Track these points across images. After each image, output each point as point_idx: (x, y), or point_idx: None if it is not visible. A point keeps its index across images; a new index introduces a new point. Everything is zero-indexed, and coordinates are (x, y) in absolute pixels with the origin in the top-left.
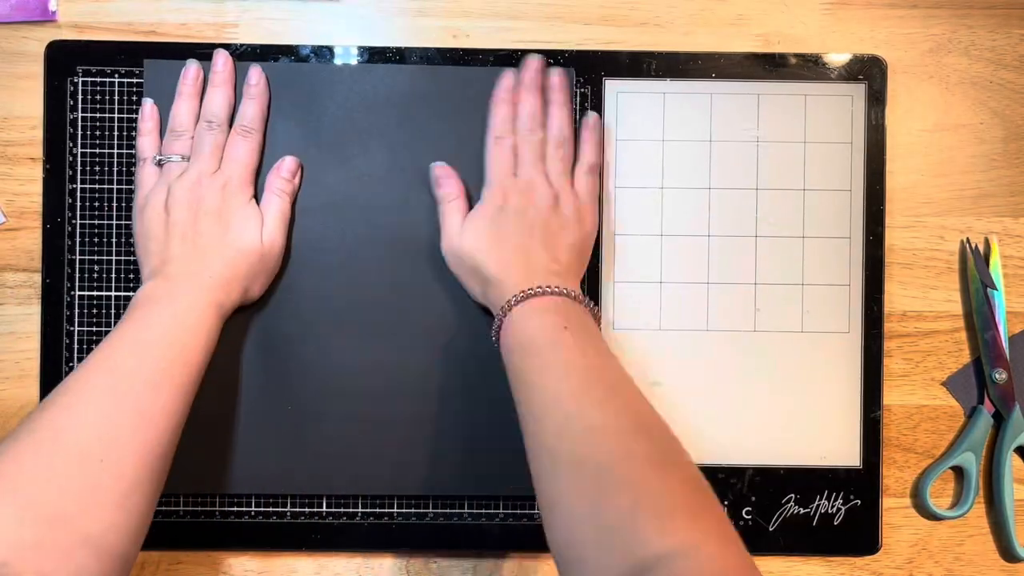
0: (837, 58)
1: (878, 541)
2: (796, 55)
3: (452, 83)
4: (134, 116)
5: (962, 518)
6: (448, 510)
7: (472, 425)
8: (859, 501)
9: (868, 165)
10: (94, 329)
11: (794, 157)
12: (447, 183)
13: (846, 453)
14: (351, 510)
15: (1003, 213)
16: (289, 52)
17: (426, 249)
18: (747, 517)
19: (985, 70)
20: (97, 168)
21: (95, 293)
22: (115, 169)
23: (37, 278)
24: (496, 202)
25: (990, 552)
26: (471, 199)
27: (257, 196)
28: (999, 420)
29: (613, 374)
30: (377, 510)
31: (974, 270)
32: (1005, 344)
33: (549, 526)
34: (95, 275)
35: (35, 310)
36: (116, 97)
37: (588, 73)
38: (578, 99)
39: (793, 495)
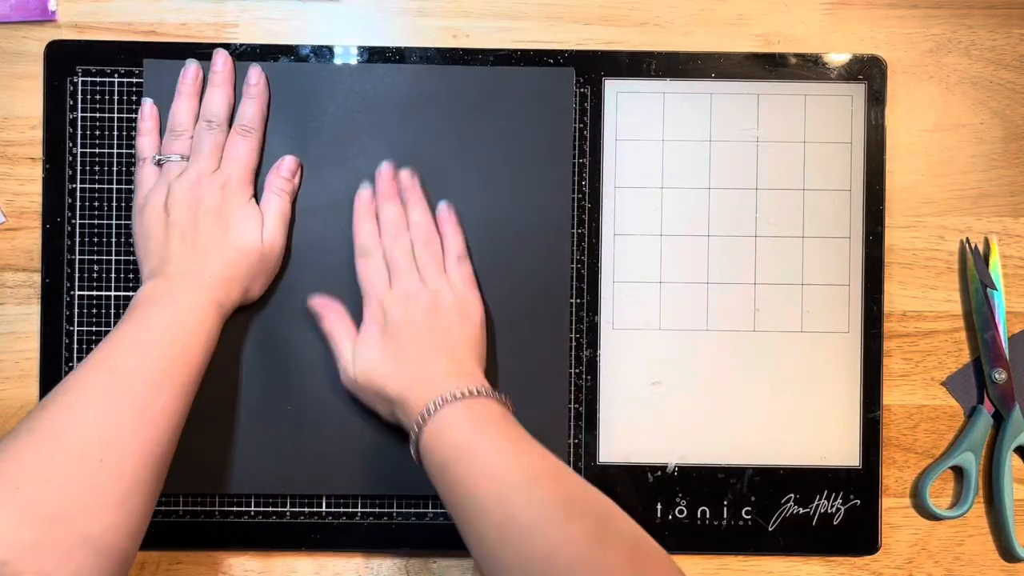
0: (837, 58)
1: (878, 541)
2: (796, 55)
3: (452, 83)
4: (134, 116)
5: (962, 518)
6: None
7: None
8: (859, 501)
9: (868, 165)
10: (94, 329)
11: (794, 157)
12: (328, 316)
13: (846, 453)
14: (351, 510)
15: (1003, 213)
16: (289, 52)
17: None
18: (747, 517)
19: (985, 70)
20: (97, 168)
21: (95, 293)
22: (115, 169)
23: (37, 278)
24: (378, 319)
25: (990, 552)
26: (357, 322)
27: (257, 196)
28: (999, 420)
29: (533, 465)
30: (377, 510)
31: (974, 270)
32: (1005, 344)
33: None
34: (95, 275)
35: (35, 310)
36: (116, 97)
37: (588, 73)
38: (578, 99)
39: (793, 495)
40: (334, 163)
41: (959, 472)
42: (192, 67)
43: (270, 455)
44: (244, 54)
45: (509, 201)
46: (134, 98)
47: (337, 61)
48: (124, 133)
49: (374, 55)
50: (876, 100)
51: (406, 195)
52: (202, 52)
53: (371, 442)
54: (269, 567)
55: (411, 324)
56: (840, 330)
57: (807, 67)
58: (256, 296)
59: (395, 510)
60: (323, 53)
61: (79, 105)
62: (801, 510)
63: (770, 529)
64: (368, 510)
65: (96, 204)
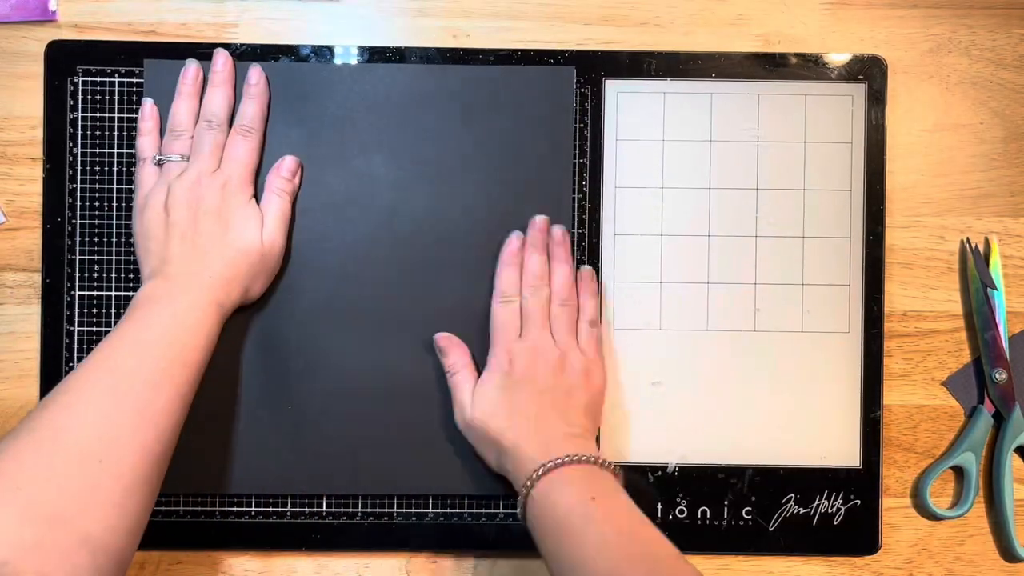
0: (837, 58)
1: (878, 541)
2: (796, 55)
3: (452, 83)
4: (134, 116)
5: (962, 518)
6: (448, 510)
7: None
8: (859, 501)
9: (868, 165)
10: (94, 329)
11: (794, 157)
12: (452, 353)
13: (846, 453)
14: (351, 510)
15: (1003, 213)
16: (289, 52)
17: (426, 248)
18: (747, 517)
19: (985, 70)
20: (97, 168)
21: (95, 293)
22: (115, 169)
23: (37, 278)
24: (503, 367)
25: (990, 552)
26: (478, 363)
27: (257, 196)
28: (999, 420)
29: (646, 538)
30: (377, 510)
31: (974, 270)
32: (1005, 344)
33: None
34: (95, 275)
35: (35, 310)
36: (116, 97)
37: (588, 73)
38: (578, 99)
39: (793, 495)
40: (334, 163)
41: (959, 472)
42: (192, 67)
43: (270, 455)
44: (244, 54)
45: (509, 201)
46: (134, 98)
47: (337, 61)
48: (124, 133)
49: (374, 55)
50: (876, 100)
51: (555, 250)
52: (202, 52)
53: (371, 442)
54: (269, 567)
55: (535, 379)
56: (840, 330)
57: (807, 67)
58: (256, 296)
59: (395, 510)
60: (323, 53)
61: (79, 105)
62: (801, 510)
63: (770, 529)
64: (368, 510)
65: (96, 204)
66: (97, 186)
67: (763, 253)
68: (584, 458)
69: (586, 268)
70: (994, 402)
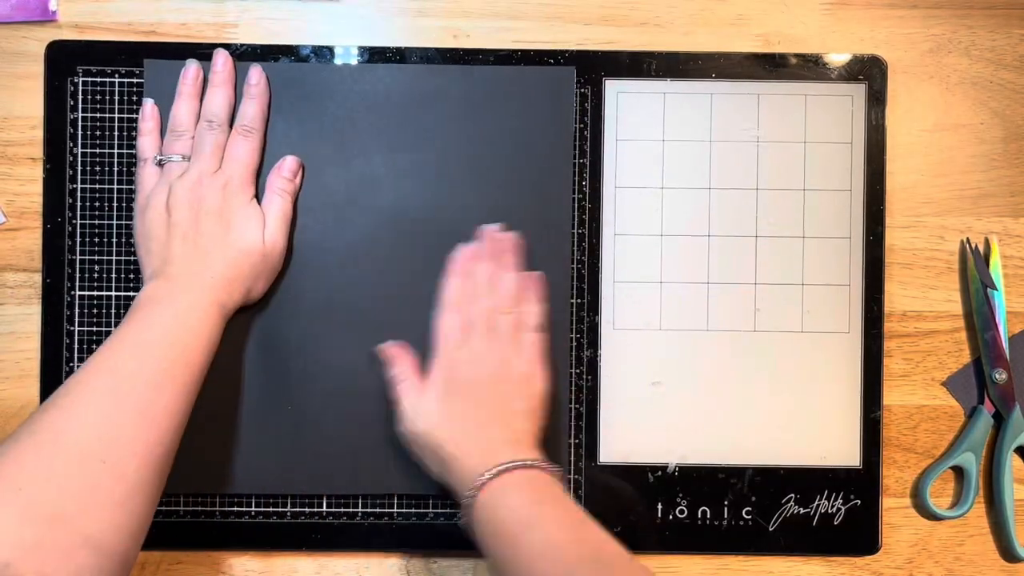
0: (837, 58)
1: (878, 541)
2: (796, 55)
3: (452, 83)
4: (134, 116)
5: (962, 518)
6: (448, 510)
7: None
8: (859, 501)
9: (868, 165)
10: (94, 329)
11: (794, 157)
12: (400, 362)
13: (846, 453)
14: (351, 510)
15: (1003, 213)
16: (289, 52)
17: (426, 248)
18: (747, 517)
19: (985, 70)
20: (97, 168)
21: (95, 293)
22: (115, 169)
23: (37, 278)
24: (443, 376)
25: (990, 552)
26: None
27: (258, 196)
28: (999, 420)
29: (594, 540)
30: (377, 510)
31: (974, 270)
32: (1005, 344)
33: None
34: (95, 275)
35: (35, 310)
36: (116, 97)
37: (588, 73)
38: (578, 99)
39: (793, 495)
40: (334, 163)
41: (959, 472)
42: (192, 67)
43: (270, 455)
44: (244, 54)
45: (509, 201)
46: (134, 98)
47: (337, 61)
48: (124, 133)
49: (374, 55)
50: (876, 100)
51: (504, 258)
52: (202, 52)
53: (371, 442)
54: (269, 567)
55: (475, 386)
56: (840, 330)
57: (807, 67)
58: (258, 296)
59: (395, 510)
60: (323, 53)
61: (79, 105)
62: (801, 510)
63: (770, 529)
64: (368, 510)
65: (96, 204)
66: (97, 186)
67: (763, 253)
68: (526, 462)
69: (533, 273)
70: (994, 402)
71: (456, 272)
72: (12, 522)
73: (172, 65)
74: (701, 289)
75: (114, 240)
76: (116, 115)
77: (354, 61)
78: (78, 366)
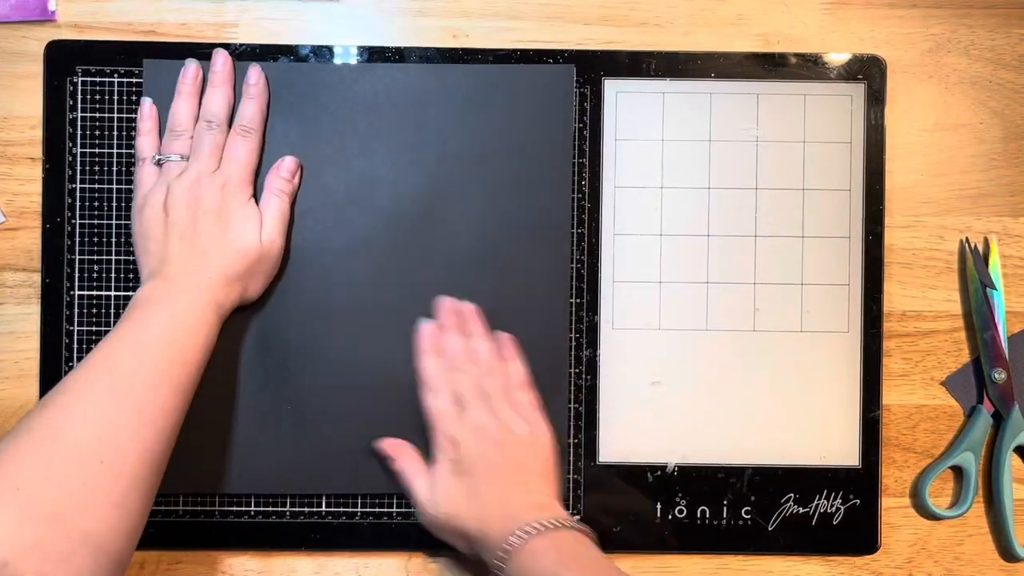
0: (837, 58)
1: (877, 541)
2: (796, 55)
3: (452, 83)
4: (134, 116)
5: (961, 518)
6: None
7: None
8: (858, 501)
9: (868, 165)
10: (94, 329)
11: (794, 157)
12: (401, 457)
13: (845, 453)
14: (351, 510)
15: (1003, 213)
16: (289, 52)
17: (426, 248)
18: (747, 517)
19: (985, 70)
20: (97, 168)
21: (95, 293)
22: (115, 169)
23: (37, 278)
24: (450, 455)
25: (989, 552)
26: (428, 451)
27: (256, 196)
28: (998, 420)
29: None
30: (377, 510)
31: (973, 270)
32: (1004, 344)
33: None
34: (95, 275)
35: (35, 310)
36: (116, 97)
37: (588, 73)
38: (578, 99)
39: (792, 495)
40: (334, 163)
41: (959, 472)
42: (192, 67)
43: (270, 455)
44: (244, 54)
45: (509, 201)
46: (134, 98)
47: (337, 61)
48: (124, 133)
49: (374, 55)
50: (876, 100)
51: (469, 327)
52: (202, 52)
53: (371, 442)
54: (269, 567)
55: (484, 458)
56: (840, 330)
57: (807, 67)
58: (255, 296)
59: (395, 510)
60: (323, 53)
61: (79, 105)
62: (801, 510)
63: (770, 529)
64: (368, 510)
65: (96, 204)
66: (97, 186)
67: (763, 253)
68: (550, 523)
69: (502, 335)
70: (993, 402)
71: (428, 351)
72: (11, 521)
73: (172, 65)
74: (701, 289)
75: (113, 240)
76: (115, 115)
77: (354, 61)
78: (77, 365)
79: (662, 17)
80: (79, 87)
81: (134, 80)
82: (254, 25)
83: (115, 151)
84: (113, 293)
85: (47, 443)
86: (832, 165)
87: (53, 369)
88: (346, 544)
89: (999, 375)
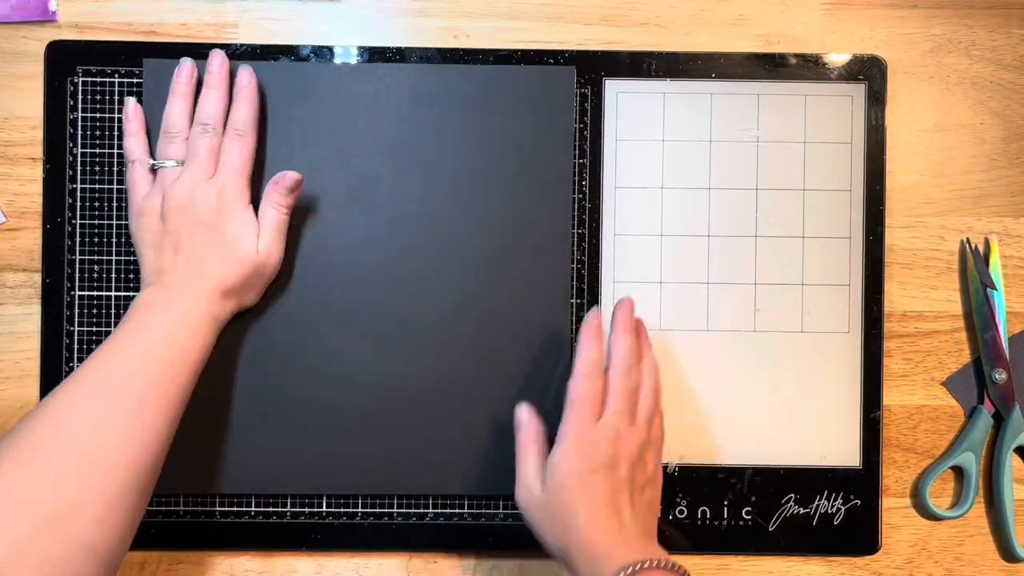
0: (837, 58)
1: (878, 541)
2: (796, 55)
3: (452, 83)
4: None
5: (962, 518)
6: (448, 510)
7: (472, 425)
8: (859, 501)
9: (868, 165)
10: (94, 329)
11: (794, 157)
12: (530, 429)
13: (846, 453)
14: (351, 510)
15: (1003, 213)
16: (289, 52)
17: (426, 249)
18: (747, 517)
19: (985, 70)
20: (97, 168)
21: (95, 293)
22: (115, 169)
23: (37, 278)
24: (581, 451)
25: (990, 552)
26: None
27: (256, 200)
28: (999, 420)
29: None
30: (377, 510)
31: (974, 270)
32: (1005, 344)
33: None
34: (95, 275)
35: (35, 310)
36: (116, 97)
37: (588, 73)
38: (578, 99)
39: (793, 495)
40: (334, 163)
41: (959, 472)
42: (187, 66)
43: (270, 455)
44: (244, 54)
45: (509, 201)
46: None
47: (337, 61)
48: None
49: (374, 55)
50: (876, 100)
51: (639, 334)
52: (202, 52)
53: (371, 442)
54: (269, 567)
55: (614, 470)
56: (840, 330)
57: (807, 67)
58: (250, 304)
59: (395, 510)
60: (323, 53)
61: (79, 105)
62: (801, 510)
63: (770, 529)
64: (368, 510)
65: (96, 204)
66: (97, 186)
67: (763, 253)
68: (660, 563)
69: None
70: (994, 402)
71: (593, 333)
72: (8, 524)
73: (172, 65)
74: (701, 289)
75: (114, 240)
76: (116, 115)
77: (354, 61)
78: (78, 366)
79: (663, 17)
80: (80, 87)
81: (134, 80)
82: (254, 25)
83: (116, 151)
84: (113, 293)
85: (44, 445)
86: (832, 165)
87: (53, 369)
88: (346, 544)
89: (1000, 375)
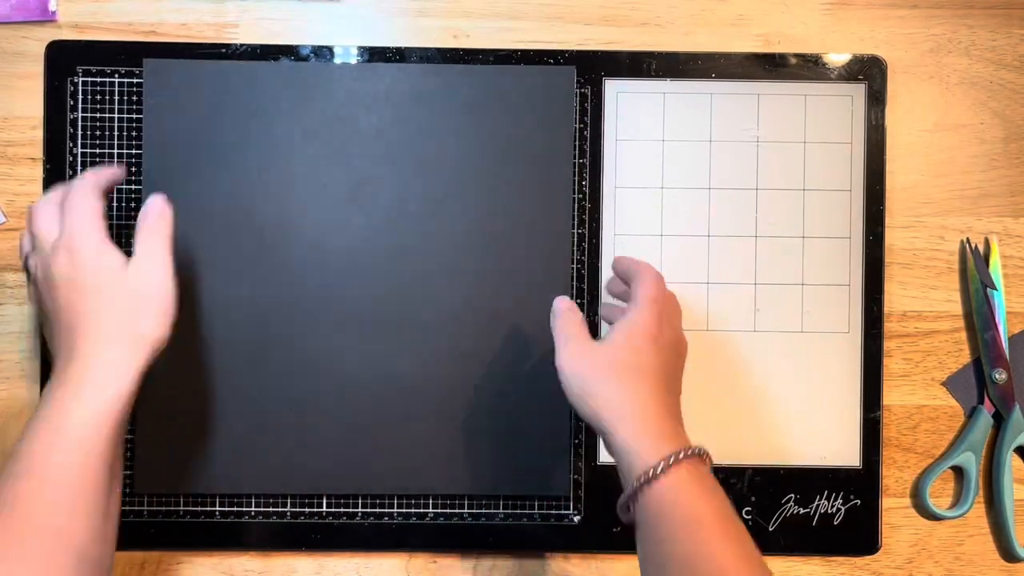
0: (837, 58)
1: (878, 541)
2: (796, 55)
3: (452, 83)
4: (134, 116)
5: (962, 518)
6: (448, 510)
7: (472, 424)
8: (859, 501)
9: (868, 165)
10: None
11: (794, 157)
12: (571, 313)
13: (846, 453)
14: (351, 510)
15: (1003, 213)
16: (289, 52)
17: (426, 248)
18: (747, 517)
19: (985, 70)
20: None
21: None
22: None
23: None
24: (651, 326)
25: (990, 552)
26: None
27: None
28: (999, 420)
29: (747, 537)
30: (377, 510)
31: (974, 270)
32: (1005, 344)
33: None
34: None
35: (35, 311)
36: (116, 97)
37: (588, 73)
38: (578, 99)
39: (793, 495)
40: (334, 163)
41: (959, 472)
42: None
43: (270, 455)
44: (244, 54)
45: (509, 201)
46: (134, 98)
47: (337, 61)
48: (124, 133)
49: (374, 55)
50: (876, 100)
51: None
52: (202, 52)
53: (371, 442)
54: (269, 567)
55: (681, 354)
56: (840, 330)
57: (807, 67)
58: (160, 337)
59: (395, 510)
60: (323, 53)
61: (79, 105)
62: (801, 510)
63: (770, 529)
64: (368, 510)
65: None
66: None
67: (763, 253)
68: (693, 451)
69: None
70: (994, 402)
71: (656, 273)
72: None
73: (172, 65)
74: (701, 289)
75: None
76: (116, 115)
77: (354, 61)
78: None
79: (663, 17)
80: (80, 87)
81: (134, 80)
82: (254, 25)
83: (115, 151)
84: None
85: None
86: (832, 165)
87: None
88: (346, 544)
89: (1000, 375)
